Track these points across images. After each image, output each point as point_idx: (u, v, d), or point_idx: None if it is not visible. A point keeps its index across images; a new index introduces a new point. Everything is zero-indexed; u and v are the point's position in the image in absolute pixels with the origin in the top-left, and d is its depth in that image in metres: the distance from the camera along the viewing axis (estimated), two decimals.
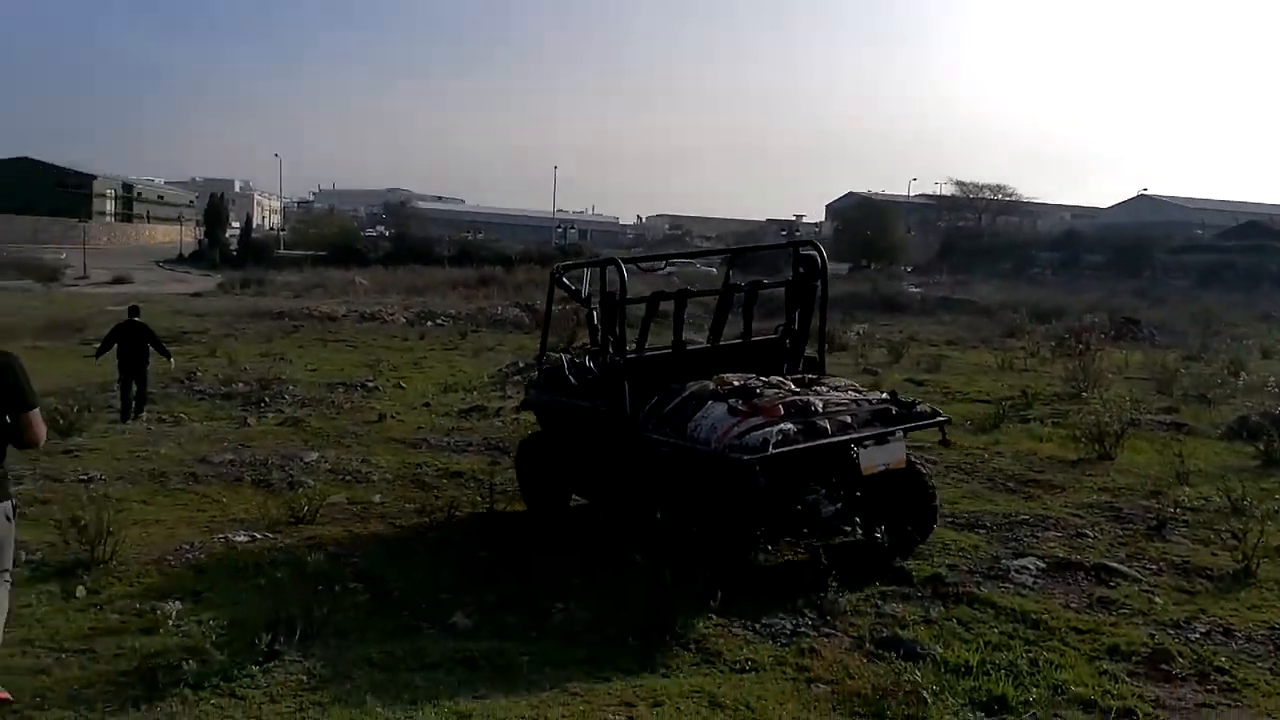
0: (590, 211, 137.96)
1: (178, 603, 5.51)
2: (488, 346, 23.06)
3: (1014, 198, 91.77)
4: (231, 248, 69.31)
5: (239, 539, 6.78)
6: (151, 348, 12.85)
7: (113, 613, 5.37)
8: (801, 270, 7.56)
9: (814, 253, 7.57)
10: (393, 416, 12.14)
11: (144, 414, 12.70)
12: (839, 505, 6.06)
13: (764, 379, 6.62)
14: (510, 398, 14.33)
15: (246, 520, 7.27)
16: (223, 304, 39.56)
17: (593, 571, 6.20)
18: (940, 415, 6.70)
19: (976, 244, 78.99)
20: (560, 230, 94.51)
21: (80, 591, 5.62)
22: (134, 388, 12.74)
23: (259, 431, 11.60)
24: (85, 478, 8.38)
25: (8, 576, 4.22)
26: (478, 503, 7.83)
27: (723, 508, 5.82)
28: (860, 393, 6.72)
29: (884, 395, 6.75)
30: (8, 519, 4.11)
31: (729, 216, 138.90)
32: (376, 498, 8.25)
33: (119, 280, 52.78)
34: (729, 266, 9.06)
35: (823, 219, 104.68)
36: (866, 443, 6.02)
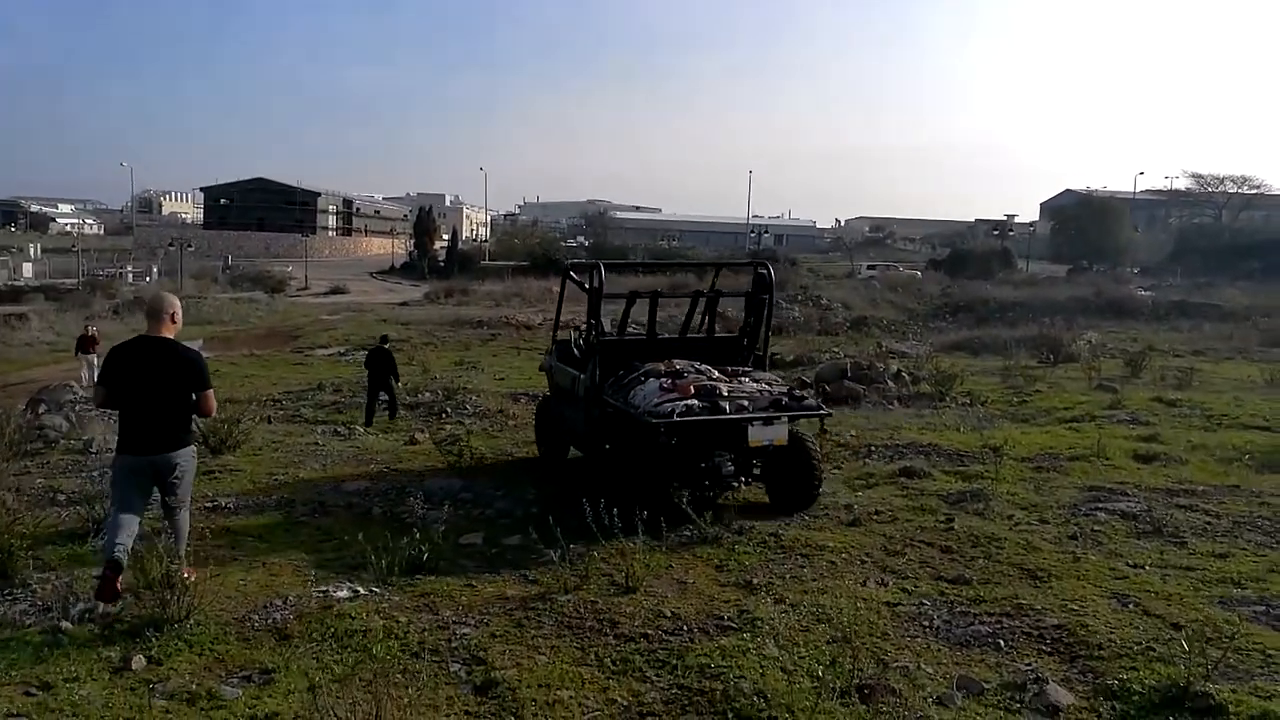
0: (787, 216, 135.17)
1: (241, 685, 4.48)
2: None
3: (1261, 189, 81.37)
4: (439, 259, 72.09)
5: (340, 594, 5.73)
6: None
7: (161, 696, 4.38)
8: (756, 286, 9.15)
9: (764, 271, 9.15)
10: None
11: (398, 416, 14.59)
12: (735, 468, 7.81)
13: (696, 366, 8.37)
14: None
15: (359, 567, 6.24)
16: (426, 313, 40.80)
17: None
18: (823, 409, 8.50)
19: (1217, 242, 71.12)
20: (755, 235, 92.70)
21: (138, 662, 4.68)
22: (382, 397, 14.80)
23: (417, 451, 10.84)
24: (212, 504, 7.69)
25: (187, 506, 5.96)
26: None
27: (640, 456, 7.56)
28: (770, 386, 8.26)
29: (783, 389, 8.27)
30: (193, 457, 5.92)
31: (934, 217, 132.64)
32: (515, 540, 7.08)
33: (335, 291, 55.92)
34: (715, 274, 10.57)
35: (1037, 218, 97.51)
36: (755, 422, 7.61)
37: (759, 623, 5.33)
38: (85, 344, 20.53)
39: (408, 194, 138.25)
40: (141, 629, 5.04)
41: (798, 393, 8.36)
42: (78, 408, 12.86)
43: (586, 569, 6.19)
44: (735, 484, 7.89)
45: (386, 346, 15.48)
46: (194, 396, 5.72)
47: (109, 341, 25.02)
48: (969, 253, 71.09)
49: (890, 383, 16.40)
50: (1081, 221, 75.82)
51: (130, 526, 5.55)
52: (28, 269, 54.77)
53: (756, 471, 8.04)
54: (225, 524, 7.25)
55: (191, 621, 5.13)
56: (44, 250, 69.50)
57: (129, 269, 60.28)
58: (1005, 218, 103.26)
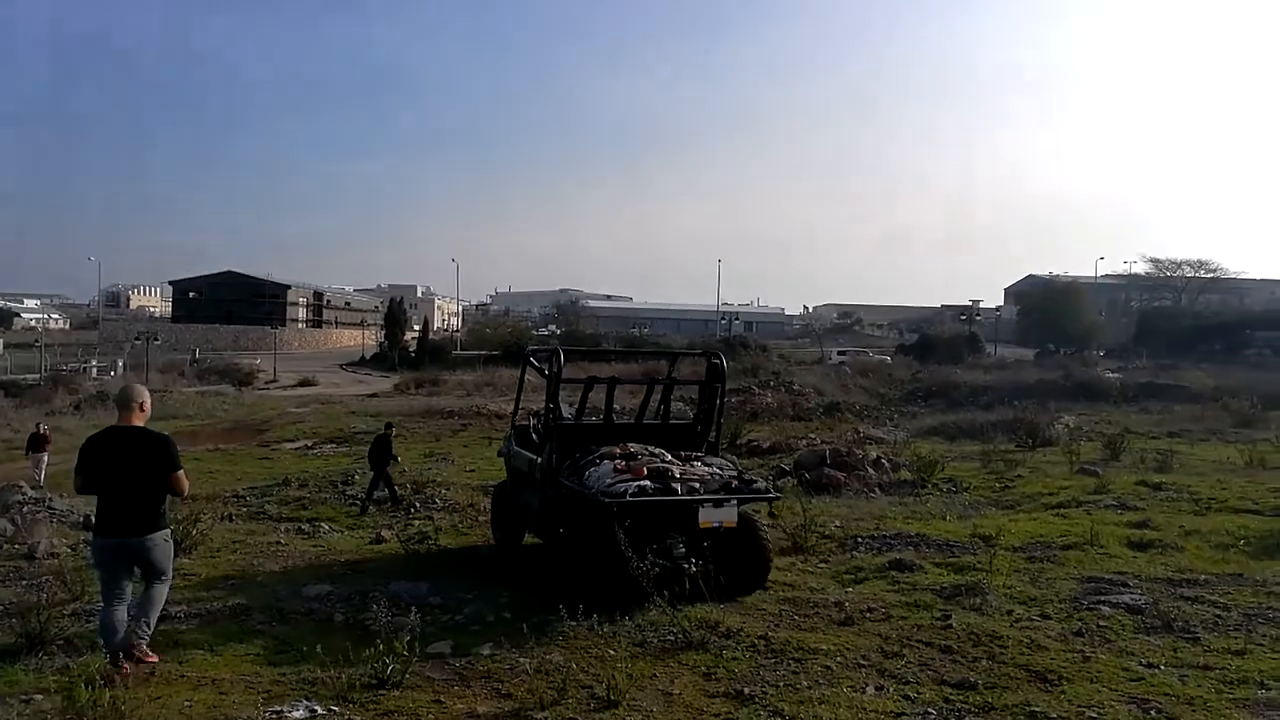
0: (756, 304, 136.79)
1: None
2: None
3: (1218, 273, 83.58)
4: (410, 349, 71.77)
5: (295, 716, 5.23)
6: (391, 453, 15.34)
7: None
8: (708, 374, 9.55)
9: (717, 361, 9.46)
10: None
11: (400, 506, 14.53)
12: (686, 549, 7.77)
13: (650, 450, 8.58)
14: None
15: (317, 682, 5.74)
16: (396, 404, 40.26)
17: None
18: (771, 493, 8.97)
19: (1178, 324, 72.47)
20: (725, 322, 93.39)
21: None
22: (382, 485, 14.91)
23: (383, 551, 10.33)
24: (160, 614, 7.14)
25: (168, 579, 6.22)
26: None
27: (593, 536, 7.60)
28: (721, 470, 8.49)
29: (734, 473, 8.50)
30: (166, 540, 6.15)
31: (900, 304, 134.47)
32: (486, 649, 6.60)
33: (304, 383, 55.29)
34: (671, 364, 11.12)
35: (1001, 303, 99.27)
36: (706, 504, 7.85)
37: None
38: (37, 443, 19.85)
39: (379, 285, 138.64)
40: None
41: (747, 476, 8.78)
42: (25, 509, 12.22)
43: (564, 680, 5.72)
44: (686, 565, 7.72)
45: (390, 433, 15.84)
46: (166, 479, 6.06)
47: (69, 438, 24.48)
48: (936, 338, 71.91)
49: (870, 470, 16.10)
50: (1046, 306, 77.11)
51: (121, 618, 5.97)
52: None
53: (707, 556, 7.83)
54: (174, 636, 6.71)
55: None
56: (6, 346, 68.49)
57: (93, 363, 59.48)
58: (971, 303, 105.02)
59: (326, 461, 22.67)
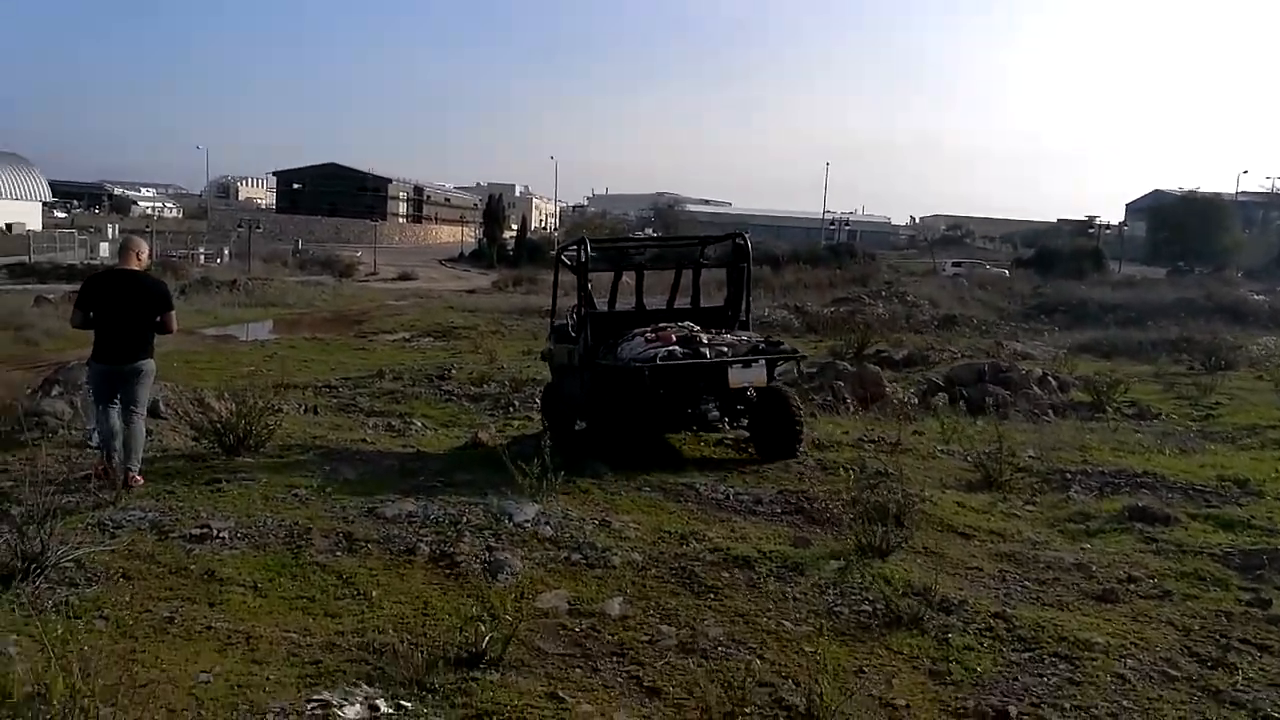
0: (860, 212, 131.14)
1: None
2: None
3: None
4: (508, 247, 70.77)
5: (349, 715, 3.56)
6: None
7: None
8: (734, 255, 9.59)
9: (742, 241, 9.59)
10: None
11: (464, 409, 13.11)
12: (720, 412, 8.16)
13: (680, 324, 8.85)
14: (805, 423, 10.66)
15: (385, 651, 4.08)
16: (494, 301, 39.12)
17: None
18: (795, 352, 9.35)
19: None
20: (834, 228, 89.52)
21: None
22: None
23: (481, 457, 8.70)
24: (199, 532, 5.61)
25: (143, 411, 7.10)
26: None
27: (628, 399, 8.10)
28: (749, 338, 8.78)
29: (761, 339, 8.90)
30: (152, 368, 7.04)
31: (1013, 217, 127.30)
32: (616, 605, 4.86)
33: (404, 277, 54.73)
34: (701, 250, 10.11)
35: (1122, 218, 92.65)
36: (735, 365, 8.14)
37: None
38: None
39: (478, 183, 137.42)
40: None
41: (774, 339, 9.20)
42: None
43: (744, 673, 3.90)
44: (720, 427, 8.33)
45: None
46: (158, 318, 6.89)
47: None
48: (1057, 252, 67.65)
49: (1036, 388, 13.80)
50: (1183, 222, 71.77)
51: (115, 426, 6.78)
52: (104, 249, 54.59)
53: (744, 422, 8.39)
54: (211, 563, 5.16)
55: None
56: (122, 231, 69.83)
57: (201, 250, 59.97)
58: (1086, 218, 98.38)
59: (423, 354, 21.48)
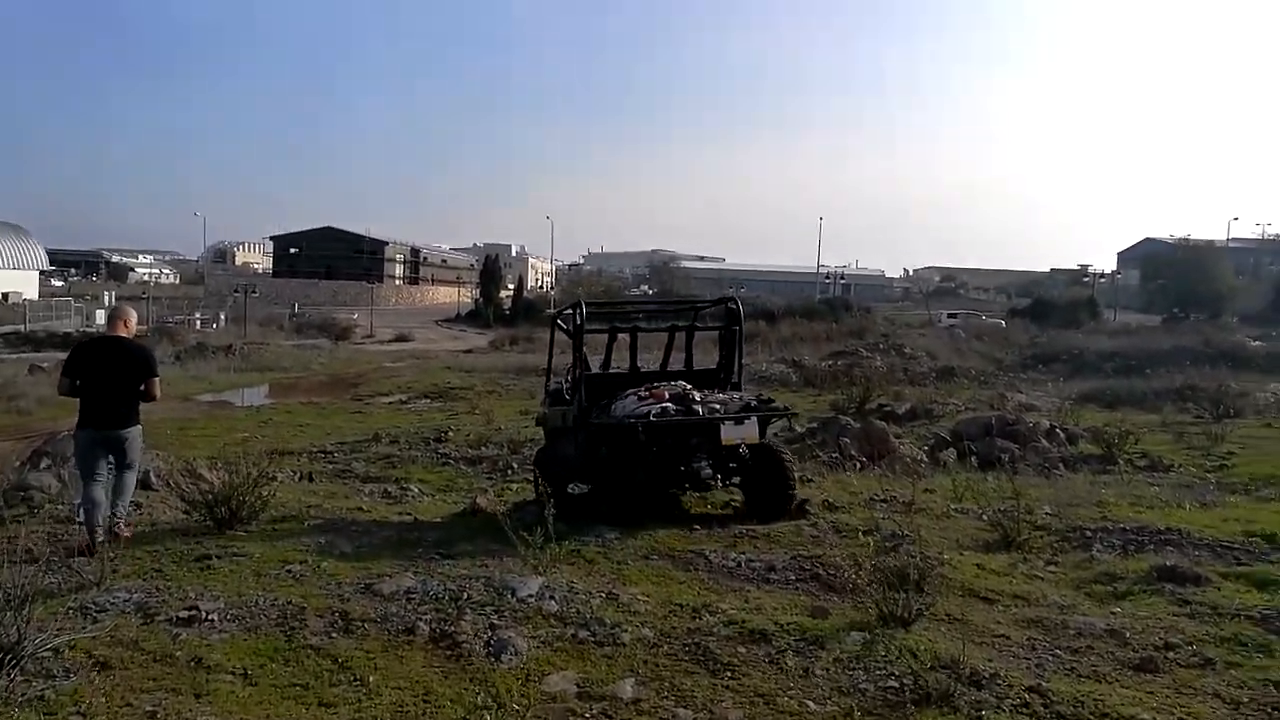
0: (854, 265, 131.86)
1: None
2: None
3: None
4: (505, 307, 71.01)
5: None
6: None
7: None
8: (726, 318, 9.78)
9: (734, 305, 9.75)
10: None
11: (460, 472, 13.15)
12: (713, 470, 8.19)
13: (674, 384, 9.05)
14: (811, 481, 10.43)
15: None
16: (491, 360, 39.03)
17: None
18: (787, 409, 9.87)
19: None
20: (828, 282, 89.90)
21: None
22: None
23: (480, 524, 8.44)
24: (187, 615, 5.33)
25: (136, 468, 7.33)
26: None
27: (622, 457, 8.11)
28: (741, 397, 8.93)
29: (753, 397, 9.17)
30: (139, 435, 7.17)
31: (1006, 267, 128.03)
32: (628, 687, 4.58)
33: (400, 338, 54.76)
34: (694, 313, 10.62)
35: (1114, 267, 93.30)
36: (727, 421, 8.21)
37: None
38: None
39: (474, 244, 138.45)
40: None
41: (765, 397, 9.58)
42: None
43: None
44: (713, 486, 8.36)
45: None
46: (142, 388, 7.01)
47: (166, 386, 23.72)
48: (1052, 301, 68.21)
49: (1045, 441, 13.59)
50: (1177, 270, 72.27)
51: (99, 498, 6.79)
52: (99, 316, 54.59)
53: (735, 480, 8.44)
54: (199, 649, 4.88)
55: None
56: (118, 298, 69.85)
57: (197, 316, 59.95)
58: (1079, 266, 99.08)
59: (420, 417, 21.26)
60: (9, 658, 4.45)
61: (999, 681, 4.58)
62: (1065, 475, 11.60)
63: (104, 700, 4.24)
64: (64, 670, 4.55)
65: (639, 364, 9.99)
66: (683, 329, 10.27)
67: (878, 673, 4.75)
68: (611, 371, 9.94)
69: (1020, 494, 7.99)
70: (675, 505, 8.74)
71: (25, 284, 65.99)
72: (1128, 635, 5.33)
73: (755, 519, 8.12)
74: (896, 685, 4.59)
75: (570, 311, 9.35)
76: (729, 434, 8.06)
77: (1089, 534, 7.80)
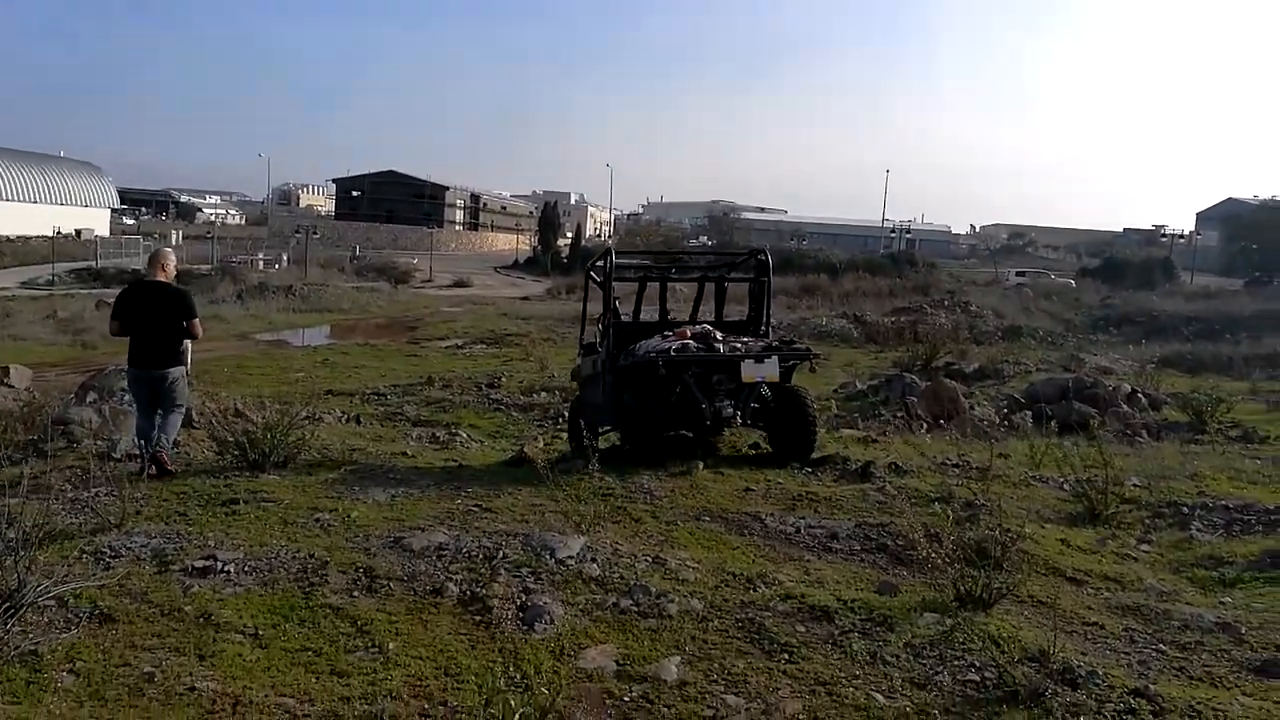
0: (920, 221, 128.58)
1: None
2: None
3: None
4: (563, 255, 70.56)
5: None
6: None
7: None
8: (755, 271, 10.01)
9: (763, 257, 9.91)
10: (706, 465, 8.05)
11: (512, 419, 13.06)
12: (734, 409, 8.19)
13: (698, 325, 9.26)
14: (876, 441, 9.82)
15: None
16: (548, 308, 38.72)
17: None
18: (808, 350, 9.24)
19: None
20: (894, 236, 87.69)
21: None
22: None
23: (524, 475, 8.01)
24: (203, 565, 4.98)
25: (182, 408, 7.70)
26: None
27: (644, 395, 8.23)
28: (763, 340, 9.13)
29: (776, 340, 9.52)
30: (182, 376, 7.42)
31: (1077, 226, 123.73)
32: (673, 668, 4.10)
33: (459, 284, 54.71)
34: (725, 265, 10.75)
35: (1192, 227, 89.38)
36: (748, 360, 8.24)
37: None
38: None
39: (534, 191, 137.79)
40: None
41: (788, 338, 9.92)
42: (125, 398, 10.57)
43: None
44: (734, 424, 8.37)
45: None
46: (184, 324, 7.25)
47: (226, 325, 23.97)
48: (1125, 262, 65.53)
49: (1126, 405, 12.75)
50: (1261, 231, 69.09)
51: (152, 425, 7.23)
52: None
53: (759, 421, 8.48)
54: (209, 604, 4.52)
55: None
56: (185, 238, 70.94)
57: (260, 256, 60.59)
58: (1153, 227, 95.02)
59: (474, 362, 21.05)
60: (7, 606, 4.13)
61: (1097, 681, 4.00)
62: (1151, 444, 10.81)
63: (100, 658, 3.90)
64: (65, 621, 4.23)
65: (669, 314, 10.15)
66: (713, 280, 10.28)
67: (956, 663, 4.20)
68: (641, 320, 10.07)
69: (1109, 462, 7.31)
70: (703, 447, 8.71)
71: (97, 221, 67.40)
72: (1243, 631, 4.70)
73: (780, 460, 8.22)
74: (977, 679, 4.05)
75: (601, 262, 9.38)
76: (749, 371, 8.12)
77: (1185, 510, 7.09)
